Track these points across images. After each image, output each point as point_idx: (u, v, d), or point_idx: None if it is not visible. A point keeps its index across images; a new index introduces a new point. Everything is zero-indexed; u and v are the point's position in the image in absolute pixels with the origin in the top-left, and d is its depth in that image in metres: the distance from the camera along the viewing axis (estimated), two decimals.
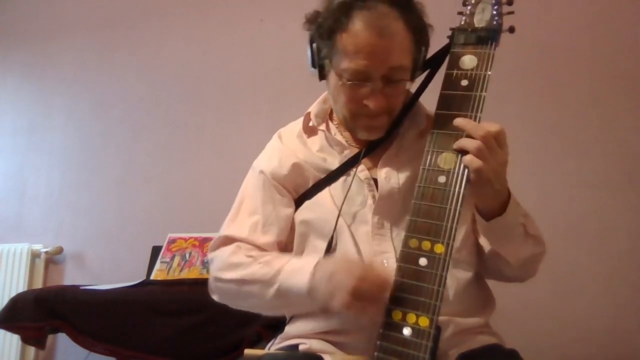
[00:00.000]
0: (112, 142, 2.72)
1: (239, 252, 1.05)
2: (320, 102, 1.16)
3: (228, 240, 1.09)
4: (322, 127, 1.13)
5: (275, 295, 0.97)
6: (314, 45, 1.03)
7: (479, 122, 0.90)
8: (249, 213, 1.10)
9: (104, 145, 2.73)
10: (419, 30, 1.01)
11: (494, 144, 0.87)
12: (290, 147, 1.13)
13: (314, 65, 1.05)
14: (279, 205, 1.09)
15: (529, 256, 1.02)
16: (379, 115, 1.01)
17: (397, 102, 1.04)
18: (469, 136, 0.87)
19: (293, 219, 1.09)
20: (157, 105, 2.66)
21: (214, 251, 1.10)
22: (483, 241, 1.01)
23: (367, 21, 0.95)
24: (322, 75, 1.06)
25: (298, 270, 0.97)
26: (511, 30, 0.96)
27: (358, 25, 0.95)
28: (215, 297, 1.11)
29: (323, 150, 1.10)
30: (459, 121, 0.89)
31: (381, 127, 1.05)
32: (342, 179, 1.06)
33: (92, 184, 2.70)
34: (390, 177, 1.04)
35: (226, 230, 1.11)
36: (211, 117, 2.54)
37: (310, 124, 1.14)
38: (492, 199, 0.93)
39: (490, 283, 1.11)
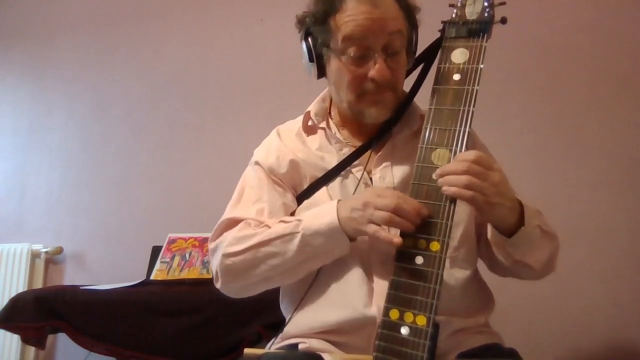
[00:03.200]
0: (112, 142, 2.72)
1: (248, 227, 1.03)
2: (319, 101, 1.16)
3: (233, 223, 1.06)
4: (322, 124, 1.13)
5: (299, 247, 0.96)
6: (309, 37, 1.04)
7: (472, 116, 0.90)
8: (252, 201, 1.09)
9: (104, 145, 2.73)
10: (408, 9, 1.03)
11: (481, 170, 0.85)
12: (288, 145, 1.13)
13: (311, 59, 1.05)
14: (283, 197, 1.08)
15: (550, 255, 1.02)
16: (384, 90, 1.01)
17: (399, 76, 1.04)
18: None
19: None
20: (157, 105, 2.66)
21: (217, 238, 1.07)
22: (503, 255, 0.99)
23: None
24: (321, 67, 1.06)
25: (320, 212, 0.97)
26: (503, 21, 0.95)
27: (350, 3, 0.98)
28: (220, 283, 1.05)
29: (322, 148, 1.11)
30: (438, 172, 0.87)
31: (387, 104, 1.04)
32: (339, 178, 1.06)
33: (92, 184, 2.70)
34: (385, 177, 1.05)
35: (229, 214, 1.09)
36: (211, 117, 2.54)
37: (310, 123, 1.14)
38: (508, 216, 0.93)
39: (490, 282, 1.11)
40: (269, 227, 1.00)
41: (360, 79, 1.01)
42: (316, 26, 1.02)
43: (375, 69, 0.98)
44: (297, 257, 0.97)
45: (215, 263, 1.05)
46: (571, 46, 1.98)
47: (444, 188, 0.86)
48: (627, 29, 1.92)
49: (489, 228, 0.99)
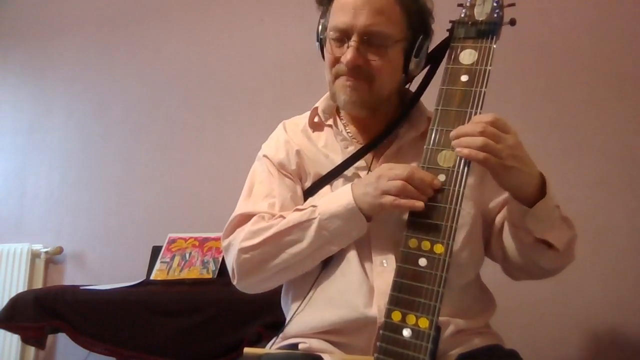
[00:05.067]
0: (112, 142, 2.72)
1: (262, 221, 1.03)
2: (327, 98, 1.16)
3: (246, 218, 1.06)
4: (330, 122, 1.13)
5: (316, 232, 0.96)
6: (321, 20, 1.08)
7: None
8: (262, 196, 1.09)
9: (104, 145, 2.73)
10: (413, 12, 1.02)
11: (497, 132, 0.85)
12: (295, 140, 1.13)
13: (317, 39, 1.09)
14: (292, 191, 1.08)
15: (569, 239, 1.00)
16: (357, 77, 1.02)
17: (378, 69, 1.02)
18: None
19: None
20: (157, 105, 2.66)
21: (230, 235, 1.06)
22: (523, 234, 0.97)
23: None
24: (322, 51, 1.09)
25: (335, 196, 0.98)
26: (512, 22, 0.94)
27: None
28: (238, 280, 1.04)
29: (327, 146, 1.11)
30: (453, 134, 0.87)
31: (359, 93, 1.03)
32: (343, 176, 1.06)
33: (92, 184, 2.70)
34: None
35: (241, 209, 1.08)
36: (211, 117, 2.54)
37: (316, 119, 1.15)
38: (527, 183, 0.92)
39: (490, 284, 1.11)
40: (284, 218, 1.01)
41: (335, 60, 1.03)
42: (322, 6, 1.07)
43: (345, 54, 1.00)
44: (316, 243, 0.97)
45: (230, 260, 1.05)
46: (571, 46, 1.97)
47: (458, 149, 0.85)
48: (627, 30, 1.92)
49: (508, 207, 0.98)
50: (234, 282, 1.06)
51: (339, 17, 1.01)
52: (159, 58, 2.70)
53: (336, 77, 1.04)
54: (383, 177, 0.91)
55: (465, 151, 0.84)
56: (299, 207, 1.02)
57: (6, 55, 3.07)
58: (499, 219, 1.06)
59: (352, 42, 0.99)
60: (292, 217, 0.99)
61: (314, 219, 0.96)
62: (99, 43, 2.84)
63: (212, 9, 2.62)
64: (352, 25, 0.99)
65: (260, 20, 2.50)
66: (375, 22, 0.99)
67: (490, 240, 1.08)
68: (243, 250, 1.01)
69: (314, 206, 0.98)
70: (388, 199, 0.89)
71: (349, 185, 0.97)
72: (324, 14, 1.07)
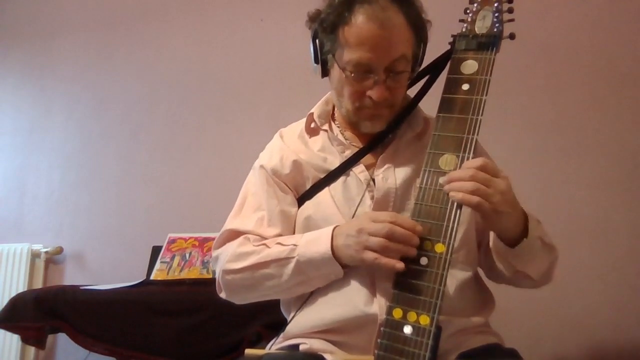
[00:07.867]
0: (112, 142, 2.72)
1: (247, 243, 1.06)
2: (322, 104, 1.18)
3: (234, 234, 1.09)
4: (325, 127, 1.14)
5: (293, 272, 0.98)
6: (317, 40, 1.05)
7: (479, 124, 0.92)
8: (253, 209, 1.11)
9: (104, 145, 2.73)
10: (419, 26, 1.04)
11: (487, 176, 0.86)
12: (291, 146, 1.14)
13: (316, 61, 1.07)
14: (282, 202, 1.09)
15: (548, 266, 1.04)
16: (382, 107, 1.03)
17: (398, 95, 1.06)
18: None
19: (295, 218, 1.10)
20: (157, 105, 2.66)
21: (219, 248, 1.10)
22: (505, 265, 1.00)
23: (369, 14, 0.97)
24: (325, 71, 1.08)
25: (315, 239, 0.98)
26: (511, 37, 0.98)
27: (360, 18, 0.98)
28: (224, 294, 1.09)
29: (324, 150, 1.12)
30: (444, 180, 0.89)
31: (384, 118, 1.06)
32: (341, 179, 1.07)
33: (92, 184, 2.70)
34: (388, 177, 1.05)
35: (230, 224, 1.12)
36: (211, 117, 2.54)
37: (312, 125, 1.15)
38: (514, 226, 0.94)
39: (490, 283, 1.11)
40: (267, 247, 1.02)
41: (359, 94, 1.03)
42: (324, 34, 1.04)
43: (374, 91, 1.00)
44: (293, 280, 0.99)
45: (217, 274, 1.09)
46: (571, 46, 1.98)
47: (451, 194, 0.87)
48: (627, 29, 1.92)
49: (492, 237, 1.00)
50: (220, 295, 1.10)
51: (357, 52, 0.98)
52: (159, 58, 2.70)
53: (359, 108, 1.05)
54: (364, 231, 0.91)
55: (459, 195, 0.86)
56: (281, 240, 1.02)
57: (6, 55, 3.07)
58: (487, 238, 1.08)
59: (379, 77, 0.99)
60: (273, 252, 1.01)
61: (293, 258, 0.98)
62: (99, 43, 2.84)
63: (212, 9, 2.62)
64: (375, 61, 0.98)
65: (260, 20, 2.51)
66: (396, 52, 0.99)
67: (480, 248, 1.10)
68: (226, 272, 1.05)
69: (294, 245, 0.99)
70: (370, 255, 0.90)
71: (330, 230, 0.97)
72: (328, 40, 1.03)
